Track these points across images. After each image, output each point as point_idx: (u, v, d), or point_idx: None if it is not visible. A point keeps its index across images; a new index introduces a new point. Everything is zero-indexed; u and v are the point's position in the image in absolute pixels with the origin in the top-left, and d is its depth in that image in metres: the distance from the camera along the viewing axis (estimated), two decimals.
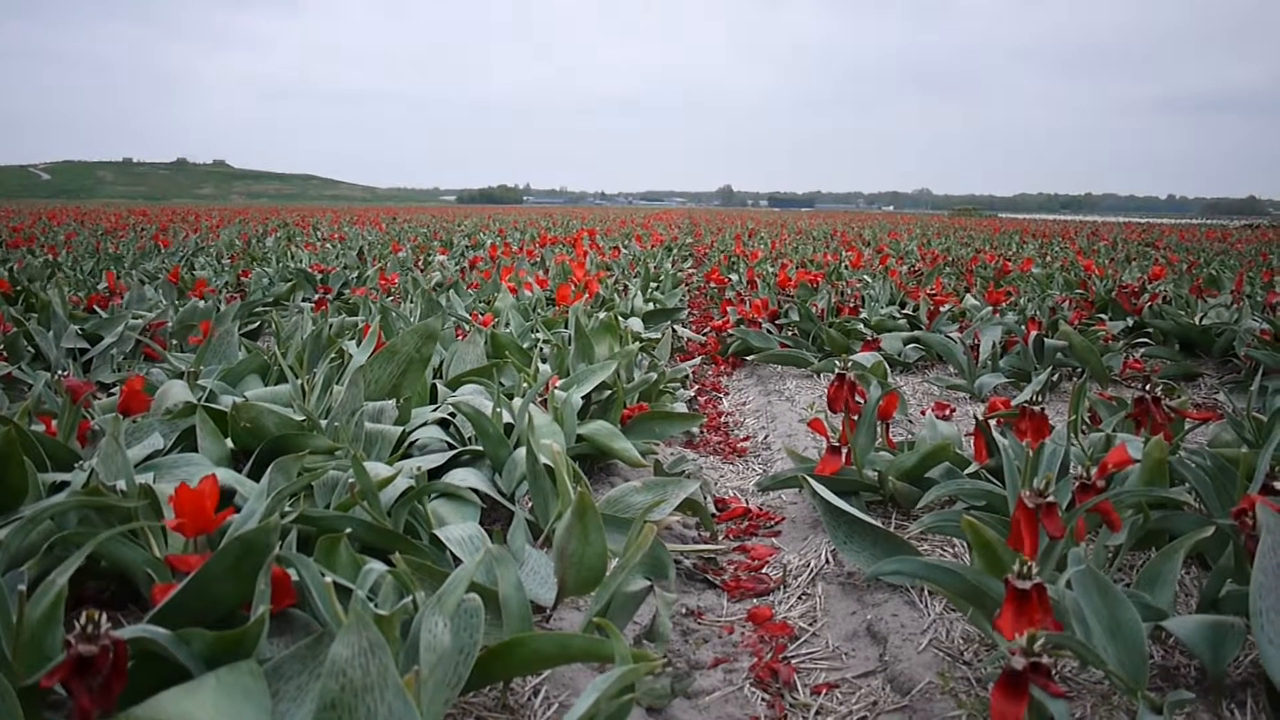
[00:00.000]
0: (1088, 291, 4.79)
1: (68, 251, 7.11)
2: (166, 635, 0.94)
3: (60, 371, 2.74)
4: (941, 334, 3.60)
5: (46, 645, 0.94)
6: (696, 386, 3.29)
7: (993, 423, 1.84)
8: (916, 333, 3.72)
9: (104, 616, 0.83)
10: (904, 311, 4.23)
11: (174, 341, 3.22)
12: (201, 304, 3.69)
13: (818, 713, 1.20)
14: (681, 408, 2.59)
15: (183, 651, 0.94)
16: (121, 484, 1.32)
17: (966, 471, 1.79)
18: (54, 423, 1.79)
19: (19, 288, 4.28)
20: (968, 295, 4.65)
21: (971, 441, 1.85)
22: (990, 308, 4.05)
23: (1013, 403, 1.98)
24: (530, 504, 1.64)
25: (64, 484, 1.48)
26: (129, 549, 1.23)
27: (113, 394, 2.42)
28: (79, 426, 1.77)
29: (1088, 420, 2.18)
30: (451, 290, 4.30)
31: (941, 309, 4.06)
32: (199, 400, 1.92)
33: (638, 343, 2.96)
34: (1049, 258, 8.16)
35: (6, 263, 5.90)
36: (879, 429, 1.92)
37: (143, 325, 3.25)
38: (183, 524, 1.15)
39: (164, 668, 0.94)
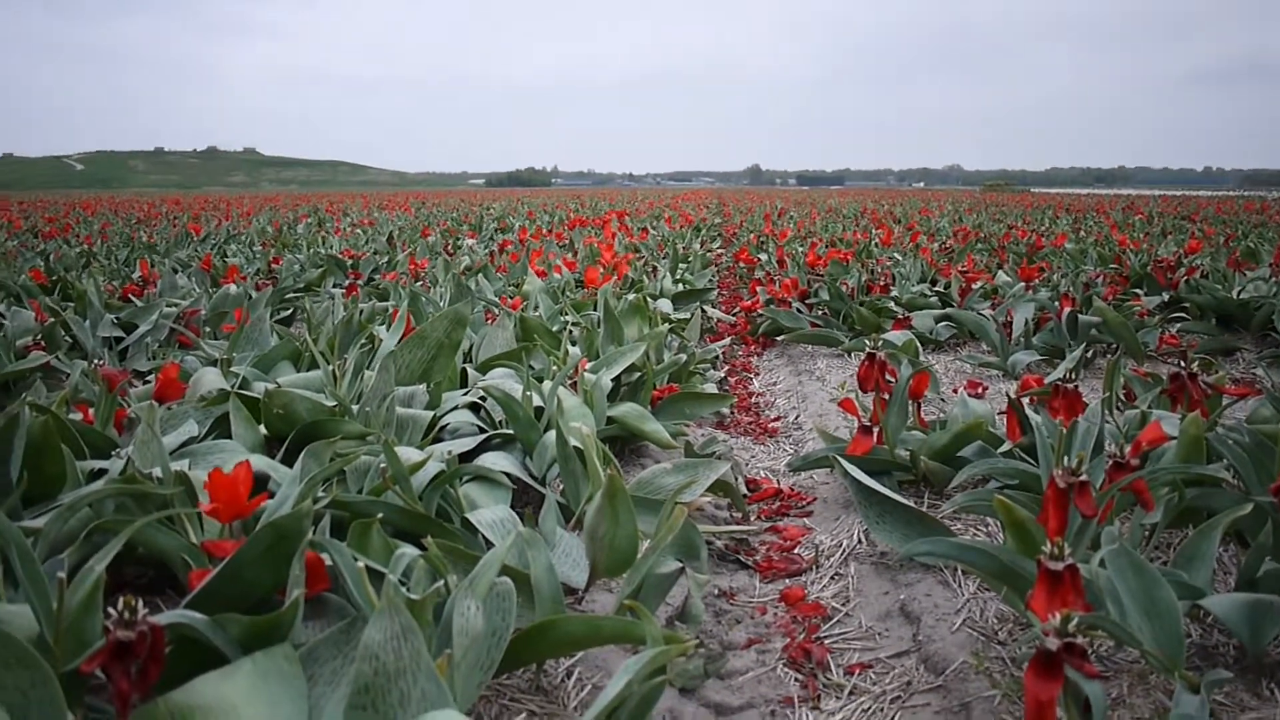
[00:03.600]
0: (1122, 266, 4.72)
1: (103, 241, 7.18)
2: (203, 620, 0.95)
3: (96, 360, 2.78)
4: (974, 311, 3.57)
5: (86, 631, 0.95)
6: (726, 367, 3.28)
7: (1026, 401, 1.82)
8: (948, 310, 3.69)
9: (141, 602, 0.84)
10: (935, 289, 4.19)
11: (207, 329, 3.26)
12: (234, 291, 3.72)
13: (851, 693, 1.20)
14: (712, 388, 2.59)
15: (219, 636, 0.96)
16: (157, 471, 1.34)
17: (1000, 450, 1.77)
18: (91, 411, 1.81)
19: (55, 278, 4.33)
20: (1000, 272, 4.61)
21: (1004, 420, 1.83)
22: (1023, 284, 4.01)
23: (1046, 380, 1.96)
24: (561, 487, 1.64)
25: (101, 471, 1.50)
26: (166, 535, 1.24)
27: (148, 382, 2.45)
28: (115, 414, 1.79)
29: (1122, 397, 2.15)
30: (481, 274, 4.30)
31: (973, 286, 4.02)
32: (232, 387, 1.93)
33: (667, 324, 2.95)
34: (1082, 232, 8.06)
35: (43, 253, 5.98)
36: (910, 408, 1.91)
37: (177, 313, 3.28)
38: (218, 510, 1.16)
39: (201, 652, 0.95)
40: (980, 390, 2.71)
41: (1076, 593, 0.96)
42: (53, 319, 3.15)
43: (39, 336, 3.07)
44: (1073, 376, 1.65)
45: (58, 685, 0.82)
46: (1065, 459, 1.38)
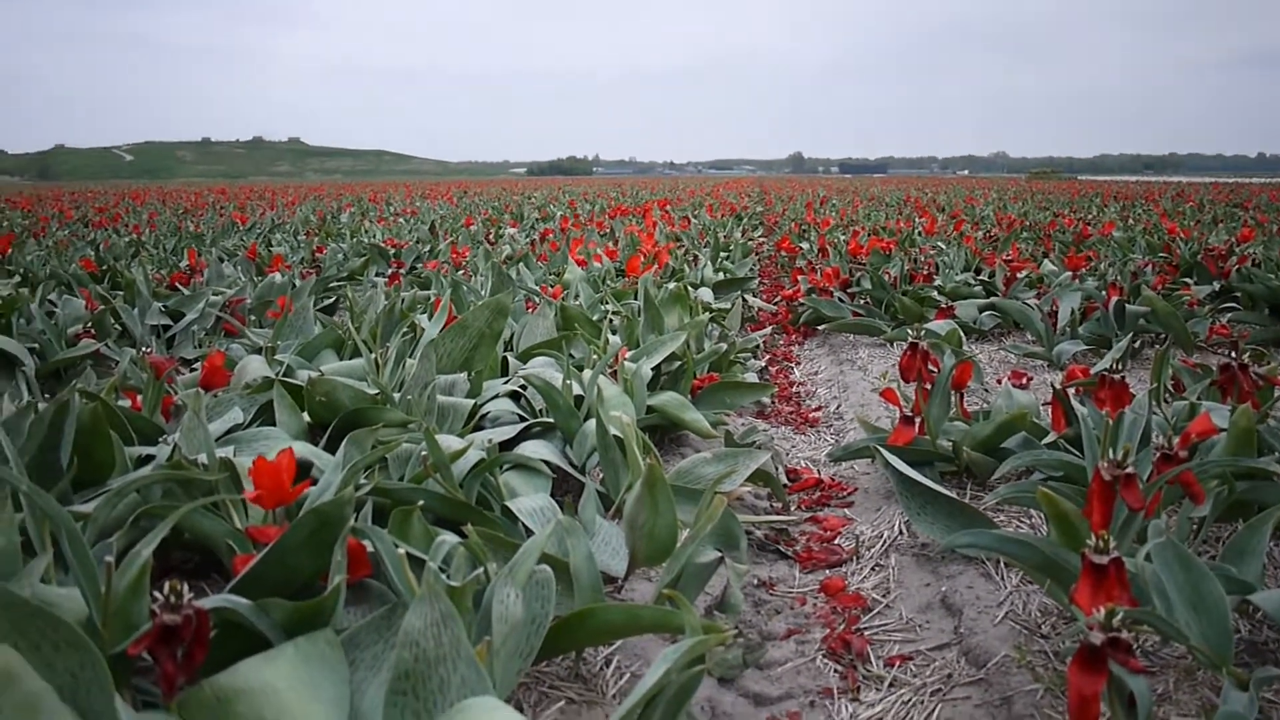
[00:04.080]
0: (1172, 255, 4.64)
1: (150, 230, 7.29)
2: (247, 605, 0.96)
3: (144, 348, 2.82)
4: (1018, 300, 3.52)
5: (133, 614, 0.97)
6: (767, 356, 3.27)
7: (1071, 391, 1.79)
8: (992, 299, 3.65)
9: (187, 586, 0.85)
10: (979, 278, 4.14)
11: (252, 317, 3.30)
12: (278, 280, 3.76)
13: (891, 685, 1.19)
14: (752, 378, 2.58)
15: (262, 621, 0.97)
16: (203, 457, 1.35)
17: (1044, 441, 1.75)
18: (139, 398, 1.84)
19: (105, 266, 4.41)
20: (1046, 260, 4.55)
21: (1049, 411, 1.81)
22: (1069, 273, 3.95)
23: (1092, 370, 1.93)
24: (601, 475, 1.64)
25: (149, 457, 1.52)
26: (211, 521, 1.26)
27: (194, 369, 2.49)
28: (163, 401, 1.82)
29: (1171, 388, 2.12)
30: (521, 263, 4.32)
31: (1018, 275, 3.97)
32: (276, 375, 1.96)
33: (708, 313, 2.95)
34: (1131, 220, 7.93)
35: (93, 242, 6.08)
36: (953, 398, 1.89)
37: (222, 301, 3.33)
38: (261, 496, 1.17)
39: (244, 636, 0.97)
40: (1024, 381, 2.68)
41: (1122, 587, 0.95)
42: (103, 307, 3.20)
43: (89, 324, 3.13)
44: (1120, 367, 1.63)
45: (106, 667, 0.83)
46: (1111, 451, 1.36)
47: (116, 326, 3.15)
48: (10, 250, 5.13)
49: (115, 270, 4.23)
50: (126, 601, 0.97)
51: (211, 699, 0.85)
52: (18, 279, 4.08)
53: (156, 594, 0.85)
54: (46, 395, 2.38)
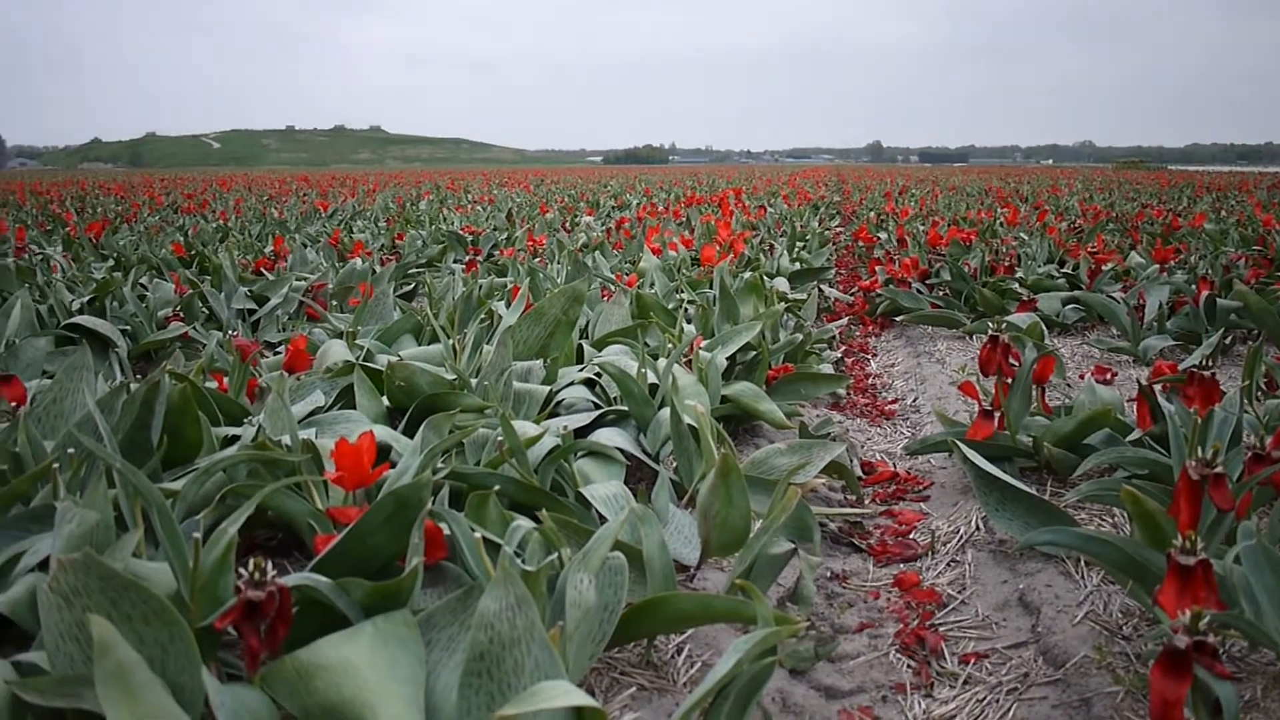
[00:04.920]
0: (1266, 248, 4.49)
1: (237, 216, 7.47)
2: (327, 584, 0.99)
3: (231, 331, 2.90)
4: (1103, 293, 3.44)
5: (219, 590, 1.00)
6: (843, 347, 3.24)
7: (1158, 387, 1.75)
8: (1076, 292, 3.57)
9: (270, 564, 0.88)
10: (1063, 270, 4.05)
11: (334, 302, 3.36)
12: (359, 266, 3.83)
13: (966, 682, 1.17)
14: (828, 369, 2.56)
15: (342, 600, 0.99)
16: (286, 439, 1.39)
17: (1128, 439, 1.71)
18: (225, 380, 1.89)
19: (193, 252, 4.53)
20: (1133, 253, 4.43)
21: (1134, 408, 1.76)
22: (1157, 266, 3.84)
23: (1180, 367, 1.88)
24: (674, 464, 1.65)
25: (235, 438, 1.57)
26: (293, 501, 1.29)
27: (278, 353, 2.55)
28: (248, 384, 1.87)
29: (1263, 386, 2.05)
30: (597, 251, 4.34)
31: (1104, 267, 3.88)
32: (357, 359, 1.99)
33: (783, 303, 2.93)
34: (1223, 212, 7.68)
35: (182, 228, 6.25)
36: (1034, 393, 1.85)
37: (305, 287, 3.40)
38: (342, 478, 1.20)
39: (324, 614, 0.99)
40: (1109, 376, 2.62)
41: (1209, 589, 0.92)
42: (191, 291, 3.30)
43: (178, 308, 3.22)
44: (1209, 363, 1.58)
45: (193, 640, 0.86)
46: (1200, 449, 1.32)
47: (204, 310, 3.24)
48: (104, 235, 5.30)
49: (203, 255, 4.35)
50: (213, 577, 0.99)
51: (293, 673, 0.87)
52: (111, 263, 4.22)
53: (241, 570, 0.88)
54: (138, 376, 2.46)
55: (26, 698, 0.83)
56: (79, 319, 2.66)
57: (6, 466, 1.34)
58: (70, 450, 1.33)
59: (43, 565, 1.06)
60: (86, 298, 3.07)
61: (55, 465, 1.21)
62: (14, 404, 1.66)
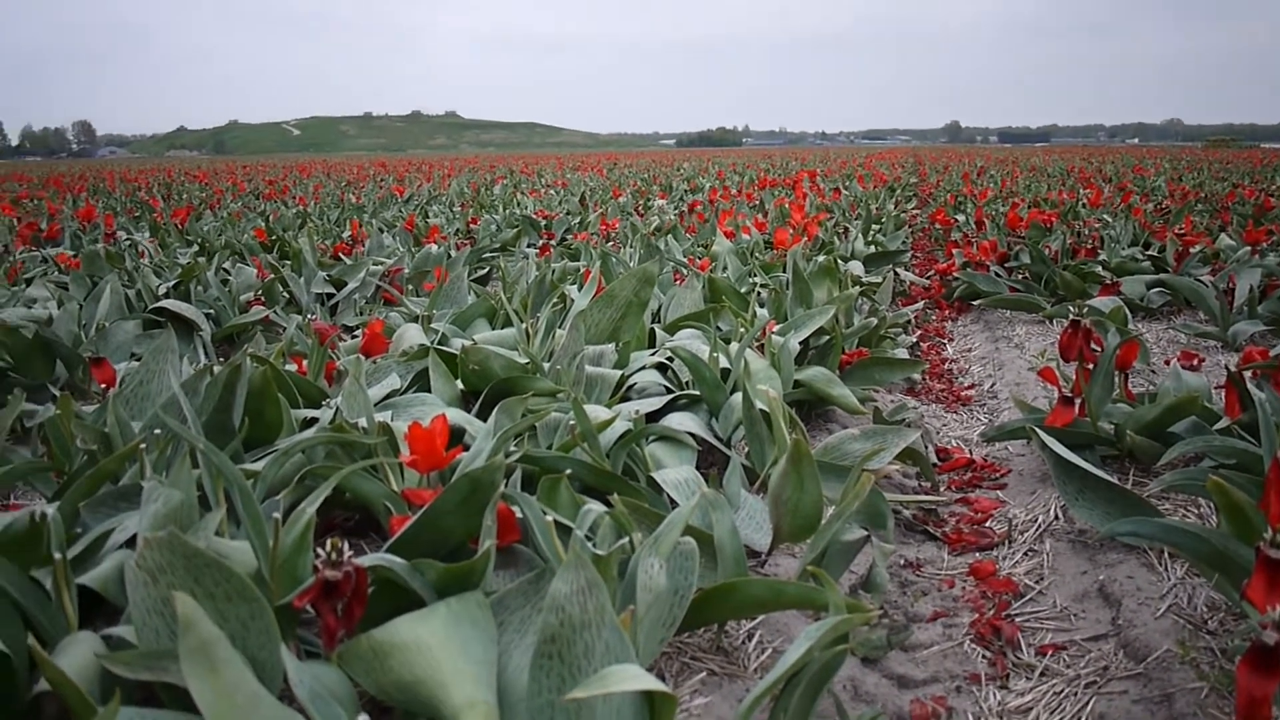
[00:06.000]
0: None
1: (316, 202, 7.62)
2: (402, 565, 1.00)
3: (310, 315, 2.96)
4: (1191, 277, 3.34)
5: (298, 569, 1.02)
6: (919, 332, 3.19)
7: (1248, 374, 1.69)
8: (1162, 276, 3.47)
9: (347, 544, 0.89)
10: (1148, 253, 3.94)
11: (410, 286, 3.41)
12: (435, 251, 3.88)
13: (1042, 674, 1.15)
14: (902, 354, 2.53)
15: (416, 580, 1.00)
16: (363, 421, 1.41)
17: (1216, 427, 1.66)
18: (304, 363, 1.93)
19: (274, 237, 4.63)
20: (1222, 235, 4.29)
21: (1222, 395, 1.71)
22: (1248, 248, 3.72)
23: (1272, 353, 1.82)
24: (746, 449, 1.64)
25: (313, 420, 1.60)
26: (369, 482, 1.32)
27: (355, 336, 2.59)
28: (326, 366, 1.91)
29: None
30: (670, 235, 4.33)
31: (1191, 250, 3.76)
32: (432, 343, 2.02)
33: (857, 287, 2.90)
34: None
35: (263, 213, 6.39)
36: (1117, 379, 1.81)
37: (382, 271, 3.45)
38: (417, 460, 1.21)
39: (399, 594, 1.01)
40: (1195, 362, 2.54)
41: None
42: (272, 275, 3.37)
43: (259, 292, 3.30)
44: None
45: (273, 618, 0.88)
46: None
47: (284, 294, 3.31)
48: (189, 221, 5.44)
49: (283, 240, 4.44)
50: (292, 556, 1.02)
51: (369, 652, 0.89)
52: (196, 248, 4.33)
53: (319, 550, 0.89)
54: (221, 359, 2.52)
55: (115, 670, 0.85)
56: (165, 303, 2.73)
57: (96, 447, 1.39)
58: (156, 431, 1.37)
59: (130, 542, 1.09)
60: (172, 282, 3.16)
61: (142, 446, 1.24)
62: (104, 386, 1.72)
